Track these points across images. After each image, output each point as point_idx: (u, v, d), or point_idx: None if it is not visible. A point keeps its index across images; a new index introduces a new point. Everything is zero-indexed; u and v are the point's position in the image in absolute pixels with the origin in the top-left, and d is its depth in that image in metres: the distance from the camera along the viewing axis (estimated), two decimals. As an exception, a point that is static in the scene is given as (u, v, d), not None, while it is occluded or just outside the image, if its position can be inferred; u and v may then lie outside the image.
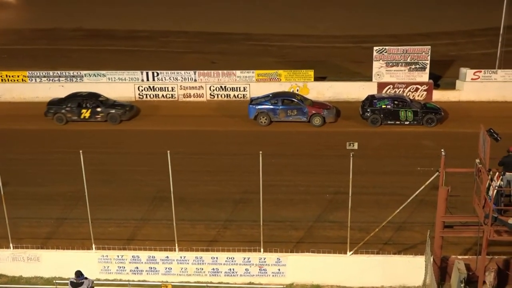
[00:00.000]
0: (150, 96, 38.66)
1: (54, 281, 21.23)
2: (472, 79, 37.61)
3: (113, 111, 35.29)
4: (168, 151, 20.83)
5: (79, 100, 35.47)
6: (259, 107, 34.87)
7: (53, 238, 23.76)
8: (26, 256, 22.29)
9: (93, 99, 35.60)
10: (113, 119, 35.22)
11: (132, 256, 22.08)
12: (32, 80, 39.22)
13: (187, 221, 24.66)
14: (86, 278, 18.15)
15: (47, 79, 39.17)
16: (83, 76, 38.93)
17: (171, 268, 22.09)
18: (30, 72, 39.26)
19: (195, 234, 24.12)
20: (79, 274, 18.11)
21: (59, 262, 22.06)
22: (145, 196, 26.84)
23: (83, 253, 22.24)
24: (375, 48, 37.73)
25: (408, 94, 37.21)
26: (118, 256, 22.09)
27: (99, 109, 35.21)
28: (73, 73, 39.05)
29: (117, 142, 33.17)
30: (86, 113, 35.15)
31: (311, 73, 38.28)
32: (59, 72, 39.28)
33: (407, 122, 34.07)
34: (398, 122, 34.14)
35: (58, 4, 63.94)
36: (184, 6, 62.70)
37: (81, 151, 20.84)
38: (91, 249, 22.11)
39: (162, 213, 25.23)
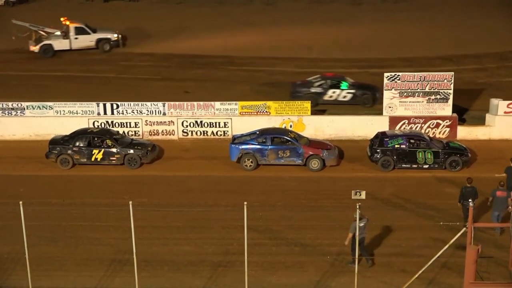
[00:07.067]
0: (108, 133, 38.68)
1: None
2: (505, 112, 37.93)
3: (131, 151, 35.40)
4: (130, 202, 20.77)
5: (89, 137, 35.61)
6: (244, 147, 34.97)
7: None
8: None
9: (106, 136, 35.74)
10: (132, 161, 35.29)
11: (84, 335, 21.86)
12: (-42, 113, 39.16)
13: (153, 289, 24.47)
14: None
15: (-22, 113, 39.16)
16: (24, 109, 38.87)
17: None
18: (-45, 103, 39.18)
19: (163, 307, 23.96)
20: None
21: None
22: (101, 258, 26.58)
23: (22, 331, 22.00)
24: (385, 74, 38.01)
25: (427, 131, 37.50)
26: (66, 335, 21.87)
27: (114, 150, 35.34)
28: (12, 104, 38.98)
29: (65, 190, 32.96)
30: (98, 154, 35.26)
31: (307, 105, 38.53)
32: (-6, 103, 39.25)
33: (426, 166, 34.24)
34: (415, 166, 34.30)
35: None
36: (148, 21, 62.90)
37: (21, 202, 20.72)
38: (32, 326, 21.88)
39: (121, 280, 24.99)
